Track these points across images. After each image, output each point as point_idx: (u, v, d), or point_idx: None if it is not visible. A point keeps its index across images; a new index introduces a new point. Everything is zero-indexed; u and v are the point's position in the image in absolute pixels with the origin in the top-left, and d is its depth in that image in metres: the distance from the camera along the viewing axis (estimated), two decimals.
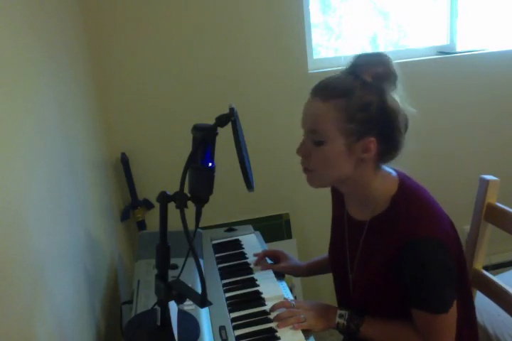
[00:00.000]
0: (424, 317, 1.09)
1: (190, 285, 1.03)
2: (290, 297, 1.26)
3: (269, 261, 1.45)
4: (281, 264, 1.43)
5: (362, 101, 1.03)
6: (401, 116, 1.06)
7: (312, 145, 1.08)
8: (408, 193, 1.10)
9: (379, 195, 1.11)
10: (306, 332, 1.13)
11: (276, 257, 1.45)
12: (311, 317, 1.16)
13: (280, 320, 1.14)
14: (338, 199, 1.28)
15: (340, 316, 1.17)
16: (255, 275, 1.36)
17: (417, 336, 1.11)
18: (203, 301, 0.93)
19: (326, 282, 2.30)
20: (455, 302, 1.08)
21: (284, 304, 1.19)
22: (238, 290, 1.30)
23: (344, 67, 1.10)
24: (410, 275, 1.06)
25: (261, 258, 1.43)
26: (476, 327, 1.27)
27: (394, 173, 1.14)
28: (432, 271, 1.05)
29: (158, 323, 1.07)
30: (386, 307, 1.16)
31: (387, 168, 1.14)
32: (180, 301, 1.01)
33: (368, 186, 1.11)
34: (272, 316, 1.17)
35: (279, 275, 1.39)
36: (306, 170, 1.12)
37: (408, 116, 1.08)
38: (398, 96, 1.07)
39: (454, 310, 1.09)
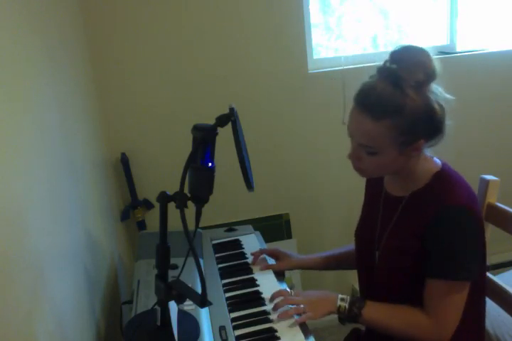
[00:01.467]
0: (439, 286, 1.10)
1: (190, 285, 1.03)
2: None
3: (269, 261, 1.45)
4: (280, 263, 1.42)
5: (412, 117, 1.05)
6: (444, 113, 1.09)
7: (364, 153, 1.11)
8: (448, 173, 1.16)
9: (421, 173, 1.16)
10: (306, 332, 1.12)
11: (275, 256, 1.45)
12: (311, 302, 1.16)
13: (277, 309, 1.15)
14: (375, 179, 1.31)
15: (342, 300, 1.17)
16: (255, 275, 1.36)
17: (422, 315, 1.12)
18: (203, 301, 0.93)
19: (326, 281, 2.31)
20: (469, 285, 1.11)
21: (281, 293, 1.20)
22: (238, 290, 1.30)
23: (382, 69, 1.07)
24: (438, 239, 1.09)
25: (257, 256, 1.43)
26: (484, 325, 1.28)
27: (437, 159, 1.20)
28: (460, 236, 1.09)
29: (158, 323, 1.07)
30: (409, 284, 1.17)
31: (430, 154, 1.18)
32: (180, 301, 1.01)
33: (412, 169, 1.16)
34: (270, 306, 1.18)
35: (279, 275, 1.39)
36: (357, 168, 1.17)
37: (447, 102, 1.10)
38: (436, 89, 1.08)
39: (467, 288, 1.11)
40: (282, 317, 1.13)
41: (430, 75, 1.06)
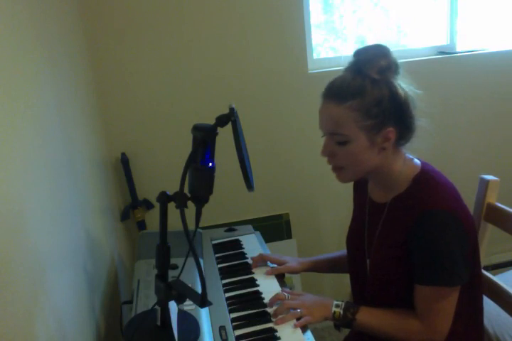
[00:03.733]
0: (427, 292, 1.10)
1: (190, 285, 1.03)
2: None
3: (270, 265, 1.43)
4: (286, 266, 1.40)
5: (374, 98, 1.07)
6: (410, 100, 1.10)
7: (336, 145, 1.12)
8: (429, 175, 1.15)
9: (401, 176, 1.15)
10: (306, 332, 1.12)
11: (276, 263, 1.43)
12: (307, 307, 1.17)
13: (277, 315, 1.15)
14: (361, 187, 1.31)
15: (337, 306, 1.18)
16: (255, 275, 1.36)
17: (415, 319, 1.13)
18: (203, 301, 0.94)
19: (326, 281, 2.31)
20: (459, 288, 1.10)
21: (279, 297, 1.20)
22: (238, 290, 1.30)
23: (346, 66, 1.13)
24: (421, 245, 1.08)
25: (256, 263, 1.41)
26: (482, 325, 1.28)
27: (417, 160, 1.19)
28: (444, 241, 1.07)
29: (158, 323, 1.07)
30: (400, 290, 1.17)
31: (410, 156, 1.18)
32: (180, 301, 1.01)
33: (390, 170, 1.15)
34: (269, 310, 1.18)
35: (279, 275, 1.38)
36: (335, 168, 1.17)
37: (414, 96, 1.12)
38: (402, 82, 1.11)
39: (457, 292, 1.11)
40: (279, 323, 1.13)
41: (392, 63, 1.09)
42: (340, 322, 1.18)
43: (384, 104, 1.07)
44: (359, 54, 1.12)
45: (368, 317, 1.16)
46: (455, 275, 1.09)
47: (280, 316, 1.15)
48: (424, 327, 1.12)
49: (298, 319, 1.15)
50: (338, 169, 1.16)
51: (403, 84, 1.10)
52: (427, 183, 1.13)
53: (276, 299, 1.20)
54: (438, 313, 1.11)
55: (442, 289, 1.10)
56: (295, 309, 1.16)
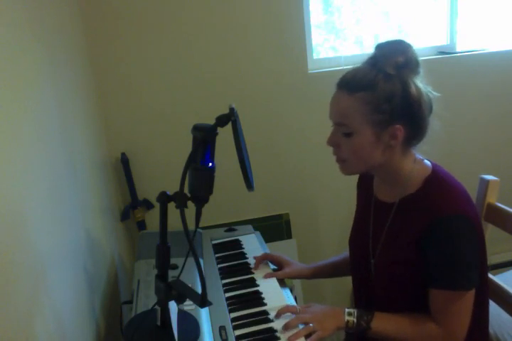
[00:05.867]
0: (444, 296, 1.09)
1: (190, 285, 1.03)
2: (291, 297, 1.25)
3: (271, 266, 1.43)
4: (286, 270, 1.39)
5: (386, 93, 1.05)
6: (424, 101, 1.08)
7: (341, 136, 1.11)
8: (441, 177, 1.14)
9: (410, 177, 1.14)
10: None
11: (278, 263, 1.43)
12: (319, 320, 1.13)
13: (288, 329, 1.11)
14: (366, 184, 1.30)
15: (349, 314, 1.14)
16: (255, 275, 1.36)
17: (432, 323, 1.11)
18: (203, 301, 0.94)
19: (326, 282, 2.31)
20: (474, 290, 1.10)
21: (288, 309, 1.17)
22: (238, 290, 1.30)
23: (365, 59, 1.12)
24: (437, 250, 1.08)
25: (259, 261, 1.41)
26: (487, 330, 1.27)
27: (427, 161, 1.18)
28: (460, 246, 1.07)
29: (158, 323, 1.07)
30: (407, 292, 1.16)
31: (421, 157, 1.17)
32: (180, 301, 1.01)
33: (399, 169, 1.14)
34: (277, 324, 1.14)
35: None
36: (338, 160, 1.16)
37: (432, 98, 1.12)
38: (420, 82, 1.10)
39: (472, 294, 1.10)
40: (293, 339, 1.08)
41: (411, 61, 1.08)
42: (354, 330, 1.14)
43: (395, 101, 1.05)
44: (379, 47, 1.11)
45: (383, 324, 1.13)
46: (471, 279, 1.09)
47: (293, 332, 1.10)
48: (442, 331, 1.10)
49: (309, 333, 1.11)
50: (341, 161, 1.15)
51: (420, 84, 1.09)
52: (440, 186, 1.12)
53: (285, 311, 1.16)
54: (455, 317, 1.10)
55: (459, 293, 1.09)
56: (307, 323, 1.12)
